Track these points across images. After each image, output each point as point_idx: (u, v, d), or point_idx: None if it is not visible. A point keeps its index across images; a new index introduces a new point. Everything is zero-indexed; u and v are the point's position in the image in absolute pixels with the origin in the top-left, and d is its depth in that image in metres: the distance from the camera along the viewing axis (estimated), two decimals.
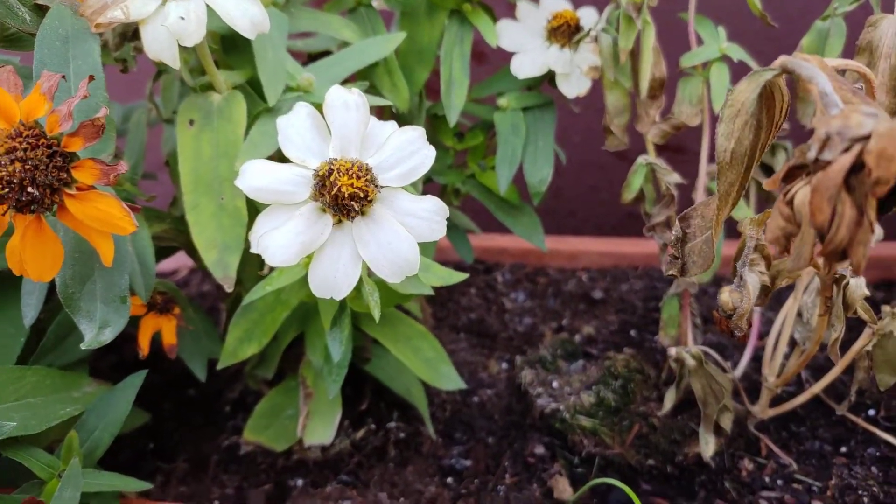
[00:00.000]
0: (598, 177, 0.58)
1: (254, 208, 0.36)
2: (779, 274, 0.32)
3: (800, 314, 0.40)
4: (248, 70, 0.37)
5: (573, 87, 0.44)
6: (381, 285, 0.36)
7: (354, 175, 0.28)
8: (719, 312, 0.32)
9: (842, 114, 0.18)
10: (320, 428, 0.42)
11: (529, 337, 0.60)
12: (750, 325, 0.32)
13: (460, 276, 0.39)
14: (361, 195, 0.28)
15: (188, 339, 0.42)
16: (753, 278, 0.30)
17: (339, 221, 0.29)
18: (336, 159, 0.29)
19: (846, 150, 0.18)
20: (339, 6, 0.43)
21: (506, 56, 0.46)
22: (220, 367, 0.39)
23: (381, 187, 0.29)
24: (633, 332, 0.59)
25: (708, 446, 0.41)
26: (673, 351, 0.42)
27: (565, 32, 0.44)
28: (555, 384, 0.51)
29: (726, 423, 0.41)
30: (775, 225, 0.19)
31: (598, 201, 0.70)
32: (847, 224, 0.17)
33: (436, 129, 0.48)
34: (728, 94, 0.22)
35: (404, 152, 0.30)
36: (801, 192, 0.19)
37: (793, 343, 0.43)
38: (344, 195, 0.28)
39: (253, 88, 0.38)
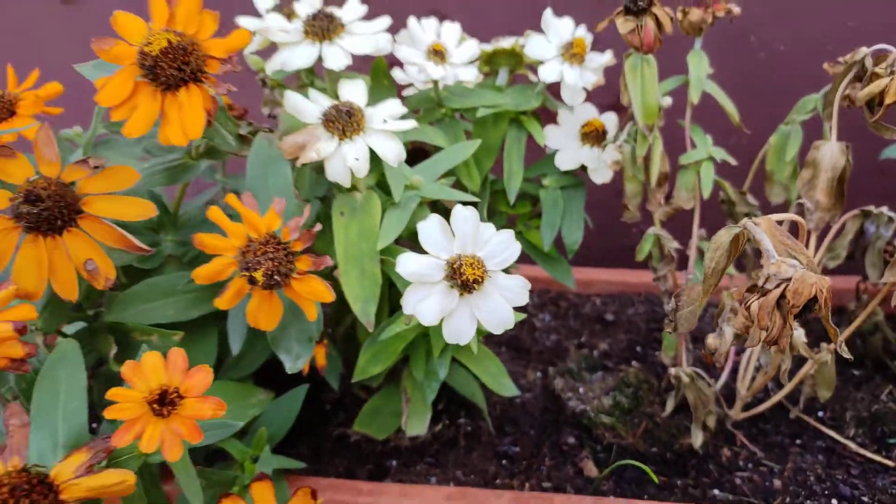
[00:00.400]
0: (606, 218, 0.73)
1: (385, 274, 0.52)
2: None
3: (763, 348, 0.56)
4: (377, 174, 0.53)
5: (600, 176, 0.59)
6: None
7: (475, 266, 0.44)
8: (706, 351, 0.48)
9: (776, 264, 0.34)
10: (417, 424, 0.58)
11: (556, 351, 0.76)
12: (726, 360, 0.48)
13: (523, 316, 0.54)
14: (480, 279, 0.44)
15: (327, 360, 0.58)
16: (729, 330, 0.46)
17: (461, 294, 0.45)
18: (462, 255, 0.44)
19: (777, 285, 0.34)
20: (430, 117, 0.58)
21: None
22: (354, 380, 0.55)
23: (488, 271, 0.45)
24: (638, 349, 0.75)
25: (697, 439, 0.58)
26: (672, 370, 0.58)
27: (595, 136, 0.59)
28: (581, 390, 0.67)
29: (711, 422, 0.57)
30: (740, 321, 0.35)
31: (605, 238, 0.86)
32: (777, 327, 0.33)
33: (495, 200, 0.64)
34: (713, 239, 0.38)
35: (501, 247, 0.46)
36: (754, 304, 0.35)
37: (759, 366, 0.59)
38: (469, 280, 0.43)
39: (380, 187, 0.53)
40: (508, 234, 0.46)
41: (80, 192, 0.42)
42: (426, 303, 0.44)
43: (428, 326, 0.48)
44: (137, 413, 0.37)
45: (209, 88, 0.42)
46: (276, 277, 0.42)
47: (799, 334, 0.48)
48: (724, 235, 0.38)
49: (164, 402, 0.38)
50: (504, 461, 0.63)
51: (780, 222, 0.38)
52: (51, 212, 0.40)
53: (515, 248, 0.46)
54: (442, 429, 0.65)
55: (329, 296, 0.44)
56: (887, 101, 0.47)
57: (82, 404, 0.41)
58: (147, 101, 0.42)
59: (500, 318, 0.45)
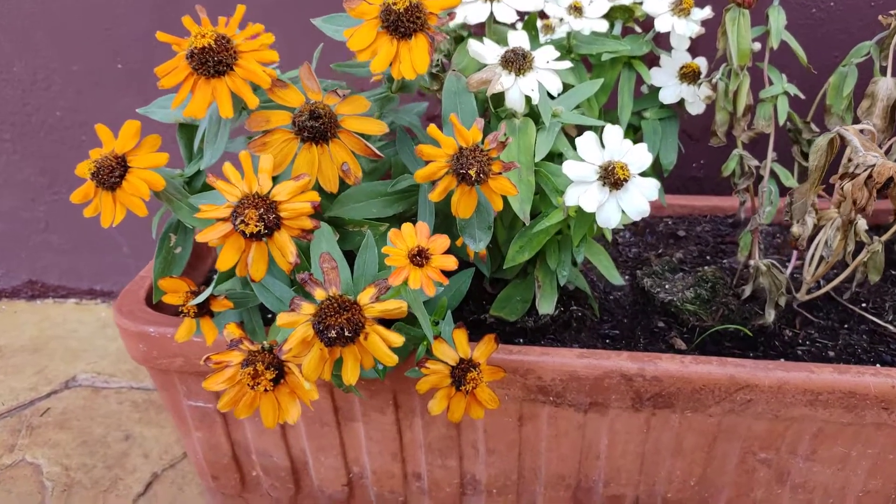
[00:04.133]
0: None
1: (538, 184, 0.67)
2: (821, 218, 0.63)
3: (826, 243, 0.71)
4: (528, 106, 0.67)
5: (695, 108, 0.74)
6: (590, 227, 0.67)
7: (624, 168, 0.59)
8: (790, 238, 0.63)
9: (863, 155, 0.49)
10: (546, 305, 0.74)
11: (638, 260, 0.91)
12: (806, 245, 0.63)
13: (630, 219, 0.70)
14: (626, 178, 0.59)
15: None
16: (811, 220, 0.61)
17: (611, 191, 0.60)
18: (612, 160, 0.59)
19: (865, 170, 0.49)
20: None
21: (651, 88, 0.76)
22: (505, 266, 0.70)
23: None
24: (708, 258, 0.90)
25: (770, 316, 0.73)
26: (752, 261, 0.73)
27: (691, 76, 0.74)
28: (666, 286, 0.83)
29: (782, 301, 0.73)
30: (835, 198, 0.50)
31: (672, 171, 1.01)
32: (864, 199, 0.48)
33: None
34: (815, 143, 0.52)
35: (639, 156, 0.60)
36: (847, 185, 0.50)
37: (819, 260, 0.75)
38: (620, 178, 0.58)
39: (531, 115, 0.68)
40: (643, 146, 0.61)
41: (336, 113, 0.57)
42: (587, 195, 0.59)
43: (566, 223, 0.64)
44: (402, 263, 0.53)
45: (430, 36, 0.57)
46: (481, 175, 0.57)
47: (862, 224, 0.63)
48: (823, 140, 0.53)
49: (421, 256, 0.53)
50: (607, 340, 0.79)
51: (861, 131, 0.53)
52: (325, 125, 0.55)
53: (648, 157, 0.61)
54: (558, 314, 0.80)
55: (514, 190, 0.59)
56: None
57: (345, 263, 0.56)
58: (386, 46, 0.56)
59: (639, 208, 0.60)
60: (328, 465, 0.81)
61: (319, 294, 0.50)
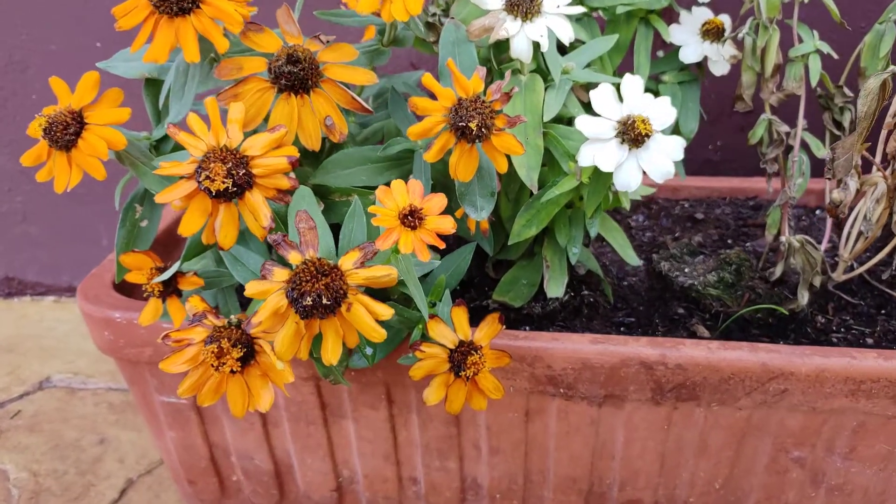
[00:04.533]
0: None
1: (546, 150, 0.60)
2: (864, 183, 0.56)
3: (865, 216, 0.64)
4: (536, 62, 0.61)
5: (719, 68, 0.67)
6: (605, 195, 0.60)
7: (645, 122, 0.52)
8: (830, 205, 0.56)
9: None
10: (555, 287, 0.67)
11: (653, 244, 0.84)
12: (847, 213, 0.56)
13: (650, 190, 0.63)
14: (648, 134, 0.52)
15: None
16: (853, 183, 0.54)
17: (630, 148, 0.53)
18: (632, 115, 0.52)
19: None
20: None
21: (668, 48, 0.69)
22: (510, 243, 0.63)
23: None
24: (729, 241, 0.83)
25: (803, 298, 0.66)
26: (783, 238, 0.66)
27: (715, 33, 0.67)
28: (686, 270, 0.76)
29: (817, 282, 0.65)
30: (891, 146, 0.43)
31: (688, 152, 0.94)
32: None
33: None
34: (864, 87, 0.46)
35: (661, 110, 0.53)
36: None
37: (857, 237, 0.67)
38: (641, 133, 0.51)
39: (538, 72, 0.61)
40: (666, 99, 0.54)
41: (319, 61, 0.50)
42: (603, 154, 0.52)
43: (578, 193, 0.57)
44: (392, 224, 0.46)
45: None
46: (483, 129, 0.50)
47: None
48: (874, 82, 0.46)
49: (414, 217, 0.46)
50: (622, 328, 0.72)
51: None
52: (305, 72, 0.48)
53: (672, 112, 0.54)
54: (567, 300, 0.73)
55: (520, 149, 0.52)
56: None
57: (327, 228, 0.49)
58: None
59: (663, 169, 0.53)
60: (315, 468, 0.74)
61: (294, 258, 0.43)
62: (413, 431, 0.70)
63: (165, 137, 0.58)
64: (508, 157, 0.54)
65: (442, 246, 0.46)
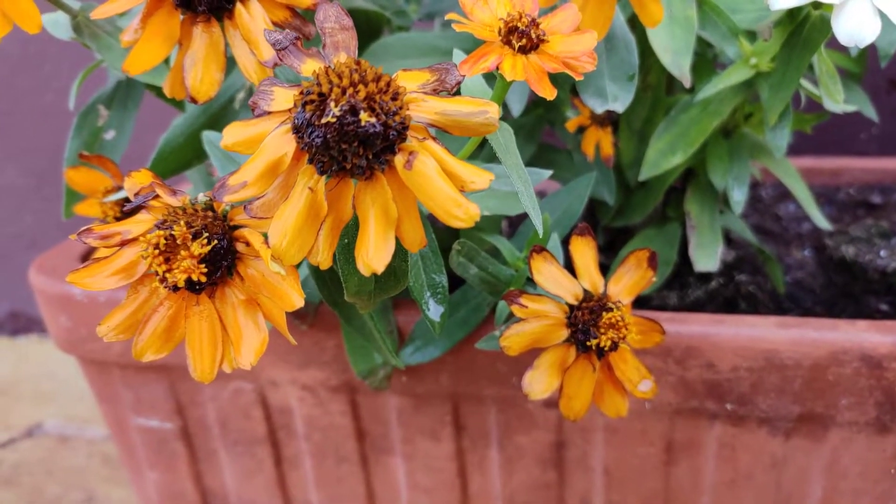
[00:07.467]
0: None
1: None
2: None
3: None
4: None
5: None
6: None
7: None
8: None
9: None
10: (705, 257, 0.45)
11: (817, 234, 0.62)
12: None
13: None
14: None
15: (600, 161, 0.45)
16: None
17: None
18: None
19: None
20: None
21: None
22: (641, 178, 0.42)
23: None
24: None
25: None
26: None
27: None
28: (882, 253, 0.53)
29: None
30: None
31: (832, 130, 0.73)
32: None
33: None
34: None
35: None
36: None
37: None
38: None
39: None
40: None
41: None
42: None
43: (744, 105, 0.36)
44: (491, 38, 0.26)
45: None
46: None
47: None
48: None
49: (525, 35, 0.26)
50: None
51: None
52: None
53: None
54: (716, 288, 0.51)
55: (659, 9, 0.32)
56: None
57: None
58: None
59: None
60: None
61: (310, 66, 0.23)
62: (492, 477, 0.47)
63: None
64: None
65: (577, 77, 0.26)
